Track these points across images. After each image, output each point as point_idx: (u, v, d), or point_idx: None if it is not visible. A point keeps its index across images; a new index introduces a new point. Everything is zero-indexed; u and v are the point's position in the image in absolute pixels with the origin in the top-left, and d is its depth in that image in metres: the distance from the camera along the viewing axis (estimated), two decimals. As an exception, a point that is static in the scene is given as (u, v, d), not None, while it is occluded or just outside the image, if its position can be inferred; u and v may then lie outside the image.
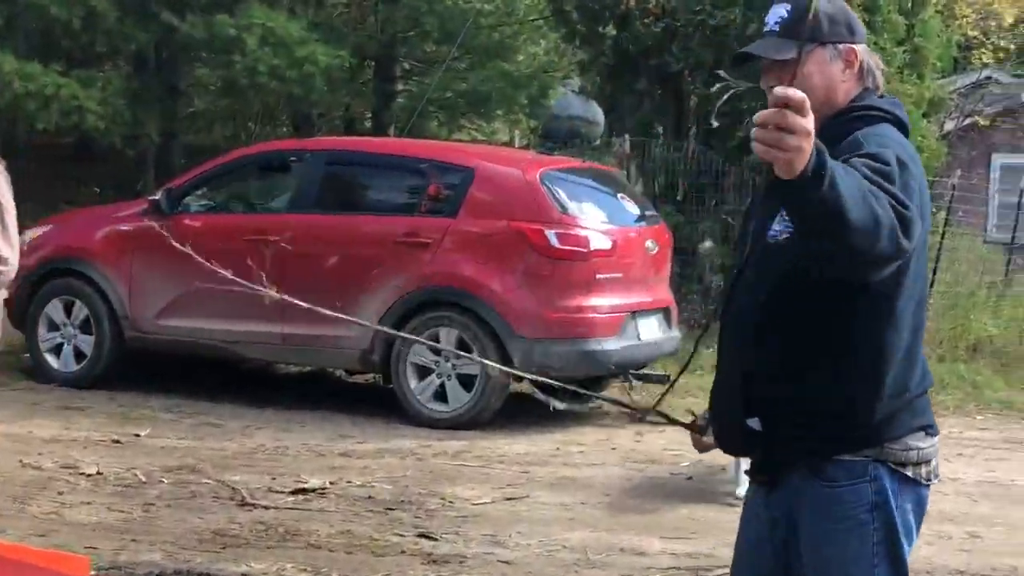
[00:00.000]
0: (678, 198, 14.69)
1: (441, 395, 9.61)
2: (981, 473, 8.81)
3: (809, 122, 2.46)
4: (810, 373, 2.99)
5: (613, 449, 9.15)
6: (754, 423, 3.05)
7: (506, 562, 6.47)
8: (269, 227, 10.06)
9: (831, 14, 3.09)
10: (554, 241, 9.42)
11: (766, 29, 3.11)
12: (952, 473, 8.59)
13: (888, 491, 3.01)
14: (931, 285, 14.36)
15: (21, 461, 7.98)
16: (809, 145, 2.47)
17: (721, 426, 3.19)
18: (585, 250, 9.52)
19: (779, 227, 3.00)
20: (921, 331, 3.05)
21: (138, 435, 8.90)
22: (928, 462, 3.07)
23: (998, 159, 21.84)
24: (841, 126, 3.03)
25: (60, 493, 7.35)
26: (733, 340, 3.11)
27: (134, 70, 17.21)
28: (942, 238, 14.94)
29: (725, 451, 3.30)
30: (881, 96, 3.16)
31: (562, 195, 9.69)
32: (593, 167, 11.23)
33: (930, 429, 3.09)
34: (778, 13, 3.09)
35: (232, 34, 15.00)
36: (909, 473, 3.04)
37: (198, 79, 18.32)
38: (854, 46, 3.10)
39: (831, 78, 3.07)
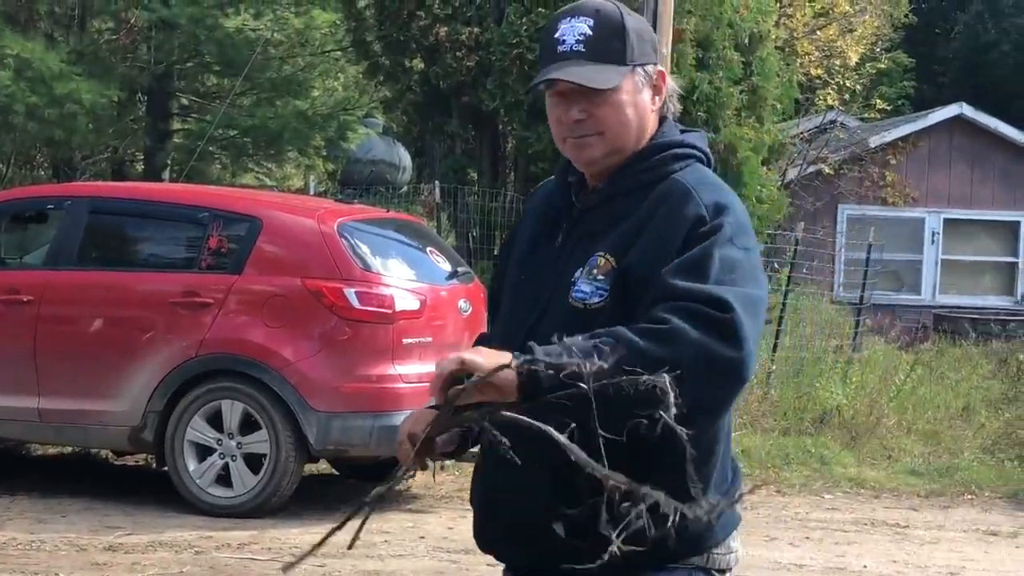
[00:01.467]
0: (495, 252, 14.82)
1: (225, 478, 9.49)
2: (830, 559, 9.02)
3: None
4: (629, 467, 2.59)
5: (422, 538, 9.14)
6: (557, 526, 2.73)
7: (299, 670, 6.40)
8: (22, 285, 9.87)
9: (638, 30, 2.93)
10: (354, 301, 9.40)
11: (563, 48, 2.89)
12: (798, 559, 8.78)
13: None
14: (774, 350, 14.72)
15: None
16: (476, 394, 2.54)
17: (502, 524, 2.94)
18: (389, 311, 9.52)
19: (587, 287, 2.85)
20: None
21: None
22: (737, 563, 2.97)
23: (845, 210, 22.52)
24: (652, 169, 2.92)
25: None
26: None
27: None
28: (784, 298, 15.34)
29: (487, 550, 3.05)
30: (683, 130, 3.04)
31: (363, 249, 9.69)
32: (399, 217, 11.27)
33: (739, 524, 2.98)
34: (579, 29, 2.88)
35: (-22, 65, 14.72)
36: None
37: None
38: (660, 68, 2.97)
39: (643, 109, 2.93)
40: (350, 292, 9.42)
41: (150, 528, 8.99)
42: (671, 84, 3.01)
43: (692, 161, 2.95)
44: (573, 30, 2.88)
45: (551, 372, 2.48)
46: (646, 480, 2.47)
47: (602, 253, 2.85)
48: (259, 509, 9.38)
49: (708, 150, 3.02)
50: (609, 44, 2.86)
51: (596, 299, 2.82)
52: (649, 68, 2.93)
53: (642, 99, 2.91)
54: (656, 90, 2.95)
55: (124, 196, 10.83)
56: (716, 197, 2.85)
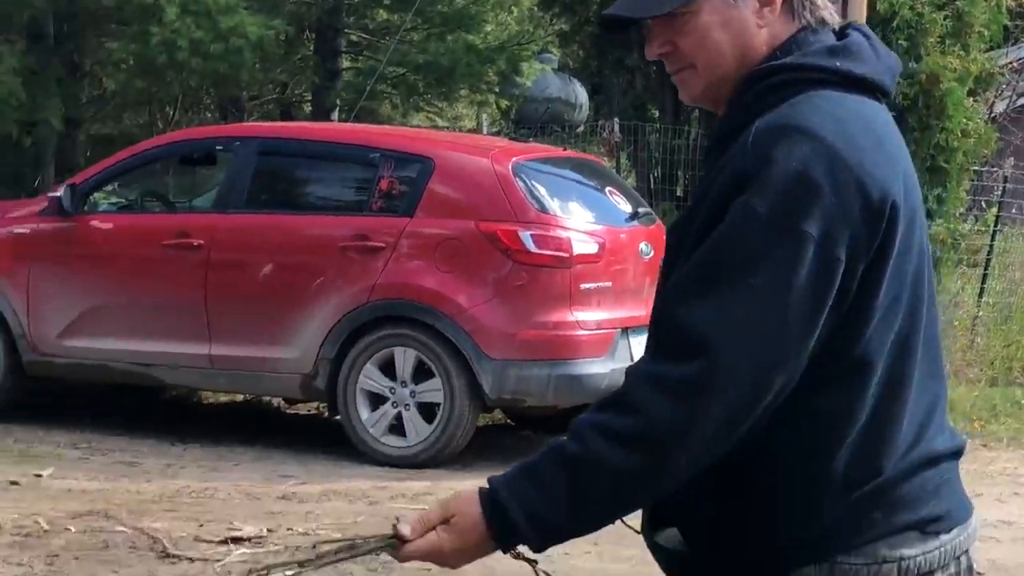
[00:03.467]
0: (678, 193, 14.89)
1: (398, 428, 9.68)
2: (1039, 515, 8.98)
3: (422, 544, 2.45)
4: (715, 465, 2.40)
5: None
6: (661, 539, 2.57)
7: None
8: (192, 229, 10.17)
9: None
10: (530, 245, 9.53)
11: None
12: (1007, 516, 8.74)
13: None
14: (980, 295, 14.60)
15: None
16: (454, 542, 2.43)
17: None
18: (567, 255, 9.60)
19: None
20: (906, 384, 2.43)
21: (39, 475, 9.00)
22: (930, 574, 2.45)
23: (1059, 145, 22.05)
24: (745, 109, 2.46)
25: (-53, 545, 7.45)
26: None
27: (29, 44, 17.26)
28: (992, 239, 15.19)
29: None
30: (841, 32, 2.54)
31: (540, 190, 9.81)
32: (576, 157, 11.37)
33: (931, 525, 2.45)
34: None
35: (148, 0, 15.06)
36: None
37: (107, 56, 18.37)
38: None
39: (742, 27, 2.47)
40: (526, 235, 9.54)
41: (323, 477, 9.24)
42: None
43: (806, 89, 2.42)
44: None
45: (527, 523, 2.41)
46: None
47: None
48: (433, 460, 9.57)
49: (859, 66, 2.47)
50: None
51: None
52: None
53: (737, 14, 2.45)
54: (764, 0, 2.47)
55: (293, 136, 11.04)
56: (775, 143, 2.33)
